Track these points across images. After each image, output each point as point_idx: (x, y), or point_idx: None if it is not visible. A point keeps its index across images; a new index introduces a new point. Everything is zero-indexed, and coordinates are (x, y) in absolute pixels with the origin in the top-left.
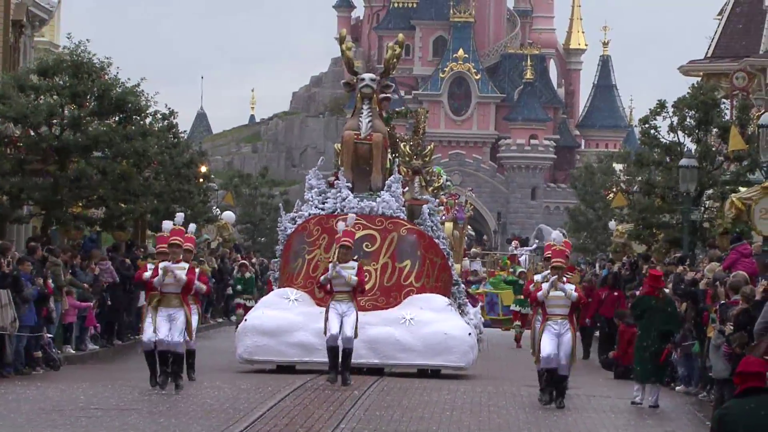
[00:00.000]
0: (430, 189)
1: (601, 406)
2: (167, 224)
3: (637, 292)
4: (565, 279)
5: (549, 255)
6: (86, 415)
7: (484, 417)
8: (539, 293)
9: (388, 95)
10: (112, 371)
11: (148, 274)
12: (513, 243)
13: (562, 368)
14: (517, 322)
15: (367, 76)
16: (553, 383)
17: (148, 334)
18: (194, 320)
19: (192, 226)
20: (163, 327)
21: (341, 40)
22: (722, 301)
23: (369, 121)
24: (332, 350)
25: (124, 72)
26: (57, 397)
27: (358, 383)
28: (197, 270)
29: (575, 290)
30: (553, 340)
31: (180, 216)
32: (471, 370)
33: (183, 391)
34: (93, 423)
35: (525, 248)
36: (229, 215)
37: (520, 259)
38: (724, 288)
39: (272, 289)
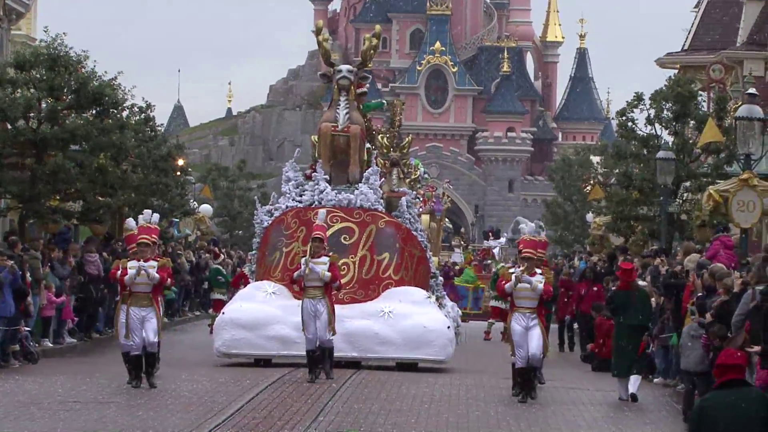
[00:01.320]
0: (408, 181)
1: (580, 399)
2: (131, 222)
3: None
4: (538, 272)
5: (521, 248)
6: (64, 408)
7: (463, 410)
8: (507, 285)
9: (364, 90)
10: (90, 364)
11: (128, 278)
12: (489, 236)
13: (535, 360)
14: (491, 320)
15: (344, 67)
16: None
17: (122, 337)
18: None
19: (155, 216)
20: (137, 331)
21: (318, 32)
22: (699, 293)
23: (346, 113)
24: (309, 353)
25: (101, 65)
26: (35, 391)
27: (336, 376)
28: (160, 264)
29: (543, 284)
30: (524, 335)
31: (147, 213)
32: (449, 363)
33: (161, 384)
34: (71, 416)
35: (496, 241)
36: (206, 208)
37: (493, 251)
38: (707, 276)
39: (240, 282)
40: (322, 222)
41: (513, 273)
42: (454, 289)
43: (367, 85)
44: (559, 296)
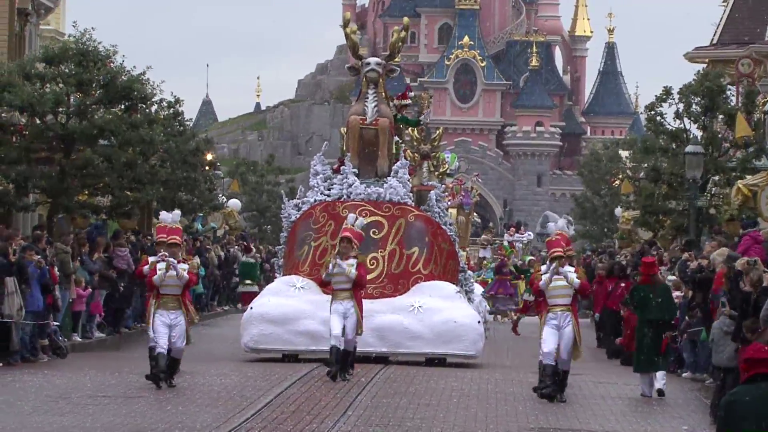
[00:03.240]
0: (436, 174)
1: (609, 393)
2: (165, 215)
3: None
4: (570, 268)
5: (549, 250)
6: (93, 403)
7: (492, 404)
8: (541, 282)
9: (407, 102)
10: (118, 359)
11: (147, 268)
12: (510, 230)
13: (563, 363)
14: (519, 314)
15: (372, 60)
16: (553, 378)
17: (151, 336)
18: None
19: (177, 214)
20: (163, 336)
21: (345, 24)
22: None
23: (375, 106)
24: (333, 348)
25: (129, 60)
26: (64, 385)
27: (364, 371)
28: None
29: (580, 279)
30: (555, 334)
31: (177, 214)
32: (477, 358)
33: (190, 378)
34: (100, 410)
35: (520, 235)
36: (234, 203)
37: (514, 244)
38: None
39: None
40: (358, 228)
41: (544, 273)
42: (504, 285)
43: (396, 75)
44: (595, 293)
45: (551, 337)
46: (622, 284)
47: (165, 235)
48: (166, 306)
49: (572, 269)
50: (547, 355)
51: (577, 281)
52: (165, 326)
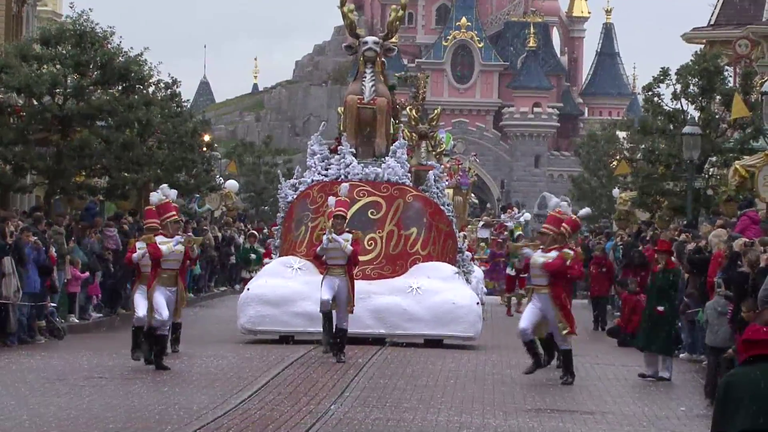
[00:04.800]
0: (434, 154)
1: (606, 374)
2: (160, 192)
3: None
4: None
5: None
6: (90, 384)
7: (489, 385)
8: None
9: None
10: (115, 340)
11: (137, 255)
12: (508, 211)
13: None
14: (507, 295)
15: (370, 39)
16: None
17: (141, 311)
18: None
19: (173, 192)
20: (164, 308)
21: (342, 3)
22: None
23: (372, 86)
24: (325, 315)
25: (126, 41)
26: (61, 367)
27: (361, 352)
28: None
29: (571, 260)
30: (534, 313)
31: (172, 192)
32: (476, 340)
33: (187, 359)
34: (97, 392)
35: (518, 215)
36: (232, 184)
37: (507, 224)
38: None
39: (270, 257)
40: (343, 197)
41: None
42: (498, 268)
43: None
44: (592, 274)
45: (528, 314)
46: (642, 273)
47: (155, 220)
48: (166, 282)
49: (568, 250)
50: (522, 332)
51: (541, 261)
52: (165, 301)
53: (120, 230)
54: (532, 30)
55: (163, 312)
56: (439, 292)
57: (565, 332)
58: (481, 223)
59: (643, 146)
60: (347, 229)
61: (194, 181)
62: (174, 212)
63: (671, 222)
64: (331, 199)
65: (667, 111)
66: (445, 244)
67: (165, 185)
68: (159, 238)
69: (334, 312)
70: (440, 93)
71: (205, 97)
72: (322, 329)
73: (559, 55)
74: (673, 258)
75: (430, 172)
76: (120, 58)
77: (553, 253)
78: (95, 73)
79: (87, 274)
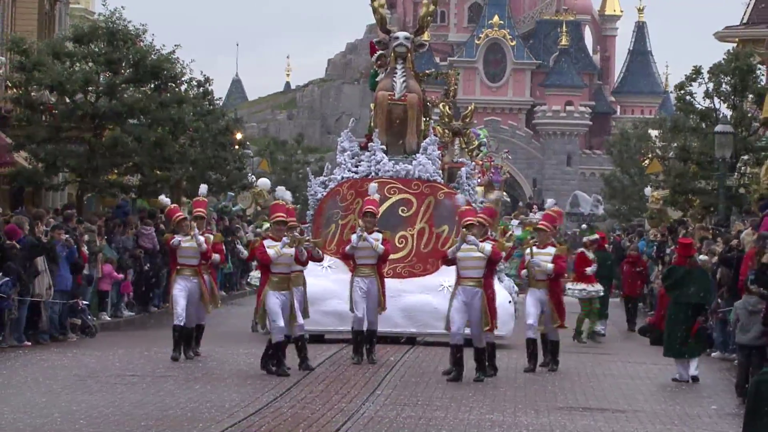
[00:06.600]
0: (468, 151)
1: (637, 373)
2: (164, 199)
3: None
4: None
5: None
6: (122, 382)
7: (520, 384)
8: (449, 251)
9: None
10: (147, 338)
11: (175, 241)
12: (533, 208)
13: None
14: None
15: (401, 34)
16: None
17: (177, 310)
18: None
19: (203, 187)
20: (181, 304)
21: None
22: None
23: (403, 81)
24: (357, 334)
25: (159, 39)
26: (92, 364)
27: (392, 351)
28: (211, 238)
29: (554, 261)
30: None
31: (287, 194)
32: (507, 339)
33: (218, 357)
34: (129, 389)
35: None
36: (264, 182)
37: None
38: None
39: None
40: (372, 197)
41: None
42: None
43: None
44: (625, 273)
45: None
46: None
47: (193, 218)
48: (184, 274)
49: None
50: (454, 336)
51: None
52: (184, 297)
53: (156, 229)
54: (564, 28)
55: (279, 321)
56: None
57: (555, 325)
58: (516, 221)
59: (675, 145)
60: (376, 228)
61: (226, 179)
62: (200, 208)
63: (703, 220)
64: (373, 186)
65: (700, 109)
66: None
67: (281, 187)
68: (267, 242)
69: (365, 324)
70: (472, 91)
71: (237, 95)
72: (353, 348)
73: (591, 54)
74: (695, 256)
75: (463, 168)
76: (152, 56)
77: (550, 249)
78: (127, 70)
79: (122, 276)
